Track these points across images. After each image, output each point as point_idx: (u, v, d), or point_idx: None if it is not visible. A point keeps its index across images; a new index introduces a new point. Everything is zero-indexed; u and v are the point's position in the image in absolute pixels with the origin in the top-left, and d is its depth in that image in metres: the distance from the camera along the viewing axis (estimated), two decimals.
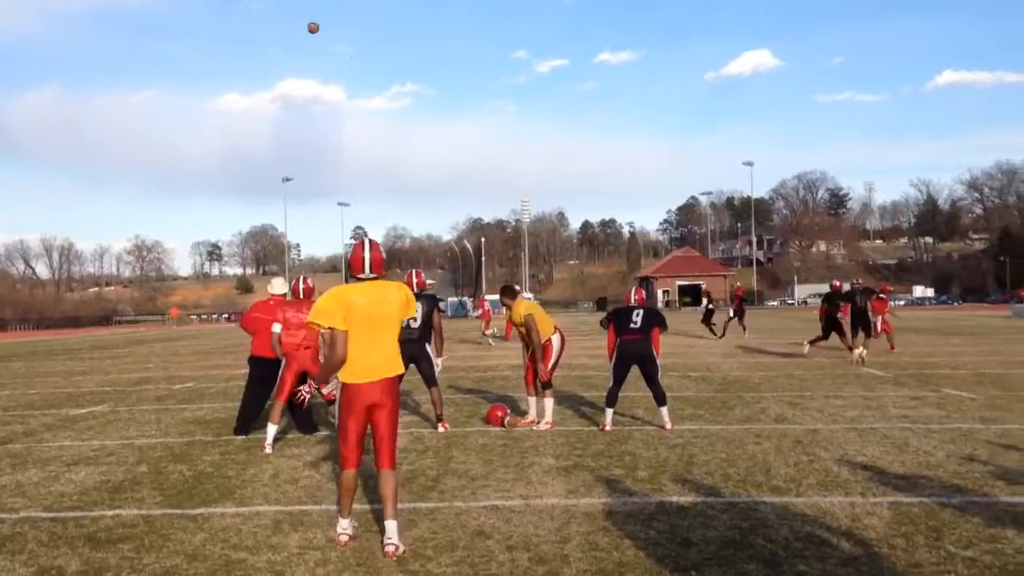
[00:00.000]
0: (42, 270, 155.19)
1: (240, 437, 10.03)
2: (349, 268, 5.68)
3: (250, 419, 10.20)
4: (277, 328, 9.43)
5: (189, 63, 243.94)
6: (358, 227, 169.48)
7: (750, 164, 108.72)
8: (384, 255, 5.68)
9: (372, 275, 5.56)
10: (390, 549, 5.29)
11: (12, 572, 5.22)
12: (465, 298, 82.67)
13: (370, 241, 5.64)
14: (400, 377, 5.63)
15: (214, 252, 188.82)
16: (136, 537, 5.91)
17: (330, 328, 5.38)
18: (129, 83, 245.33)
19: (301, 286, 9.81)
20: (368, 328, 5.44)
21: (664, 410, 9.81)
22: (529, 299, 11.05)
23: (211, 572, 5.11)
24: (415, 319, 9.81)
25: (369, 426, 5.53)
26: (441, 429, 10.09)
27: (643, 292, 10.53)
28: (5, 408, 14.13)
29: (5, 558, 5.53)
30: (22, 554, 5.60)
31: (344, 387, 5.48)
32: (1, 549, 5.73)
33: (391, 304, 5.54)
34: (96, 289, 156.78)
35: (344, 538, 5.53)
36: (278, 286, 10.55)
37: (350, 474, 5.53)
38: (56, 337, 57.23)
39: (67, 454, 9.37)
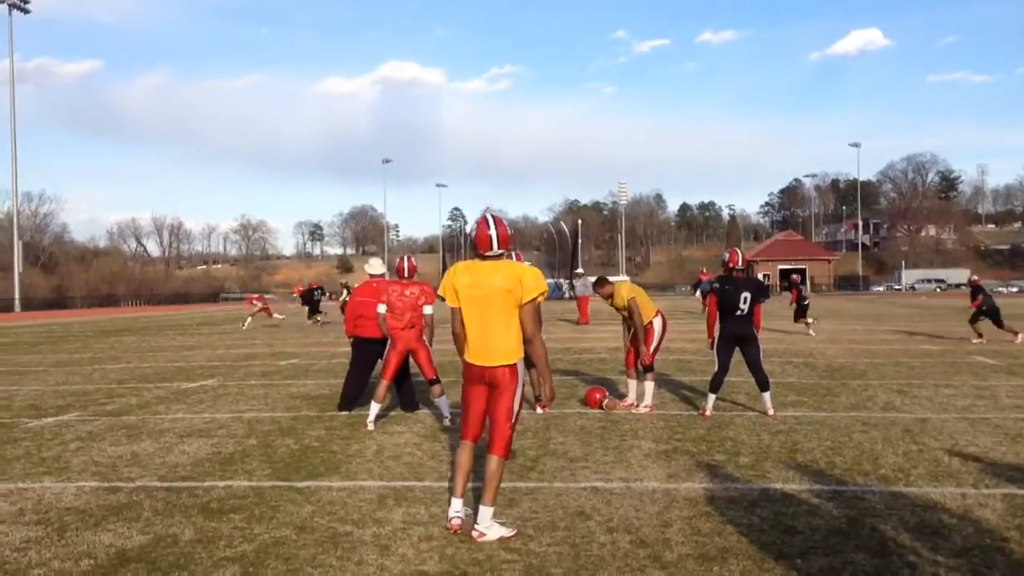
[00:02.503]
0: (153, 248, 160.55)
1: (344, 413, 10.23)
2: (474, 248, 5.56)
3: (353, 397, 10.39)
4: (382, 309, 9.53)
5: (293, 48, 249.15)
6: (455, 208, 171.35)
7: (857, 146, 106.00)
8: (508, 230, 5.57)
9: (499, 251, 5.48)
10: (475, 534, 5.27)
11: (130, 539, 5.43)
12: (561, 280, 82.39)
13: (494, 217, 5.55)
14: (516, 366, 5.40)
15: (316, 232, 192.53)
16: (247, 508, 6.10)
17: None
18: (235, 68, 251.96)
19: (406, 265, 9.83)
20: (470, 309, 5.44)
21: (767, 396, 9.65)
22: (623, 280, 10.94)
23: (319, 544, 5.24)
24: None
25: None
26: (539, 410, 10.13)
27: (745, 256, 10.10)
28: (120, 381, 14.70)
29: (123, 525, 5.76)
30: (139, 522, 5.83)
31: (464, 363, 5.54)
32: (119, 516, 5.97)
33: (492, 289, 5.36)
34: (204, 267, 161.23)
35: (456, 521, 5.37)
36: (376, 266, 10.68)
37: (466, 446, 5.48)
38: (166, 313, 59.22)
39: (180, 426, 9.71)
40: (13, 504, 6.35)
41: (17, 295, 67.91)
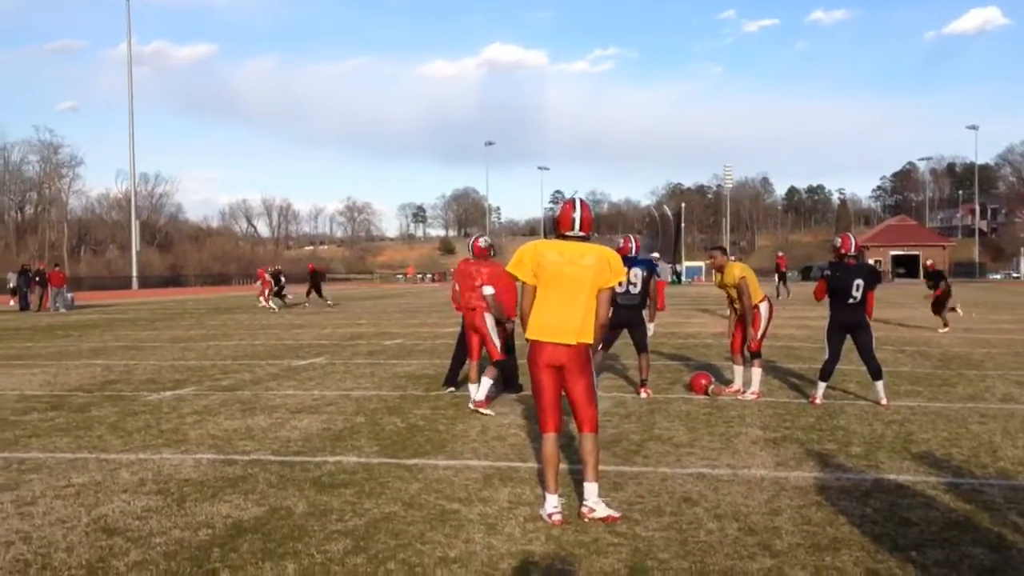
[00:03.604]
0: (263, 228, 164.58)
1: (448, 391, 10.34)
2: (556, 226, 5.56)
3: (458, 373, 10.49)
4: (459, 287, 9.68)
5: (399, 31, 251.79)
6: (557, 191, 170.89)
7: (974, 128, 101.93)
8: (594, 216, 5.59)
9: (580, 234, 5.49)
10: (584, 510, 5.29)
11: (246, 511, 5.59)
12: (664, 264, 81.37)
13: (580, 200, 5.58)
14: (587, 346, 5.41)
15: (419, 214, 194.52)
16: (357, 483, 6.22)
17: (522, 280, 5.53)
18: (342, 51, 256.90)
19: (472, 245, 9.82)
20: (555, 286, 5.40)
21: (880, 385, 9.38)
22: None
23: (427, 520, 5.32)
24: (621, 285, 9.71)
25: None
26: (644, 395, 10.07)
27: (857, 241, 9.79)
28: (234, 357, 15.15)
29: (239, 496, 5.94)
30: (254, 493, 6.01)
31: (529, 344, 5.50)
32: (235, 488, 6.16)
33: (585, 268, 5.37)
34: (311, 247, 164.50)
35: (557, 517, 5.23)
36: None
37: (549, 439, 5.44)
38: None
39: (291, 402, 9.96)
40: (134, 474, 6.61)
41: (135, 273, 70.57)
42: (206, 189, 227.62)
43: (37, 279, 35.72)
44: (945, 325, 19.89)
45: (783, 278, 38.73)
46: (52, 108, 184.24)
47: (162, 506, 5.71)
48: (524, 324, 5.55)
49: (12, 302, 36.80)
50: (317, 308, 32.64)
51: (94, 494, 6.04)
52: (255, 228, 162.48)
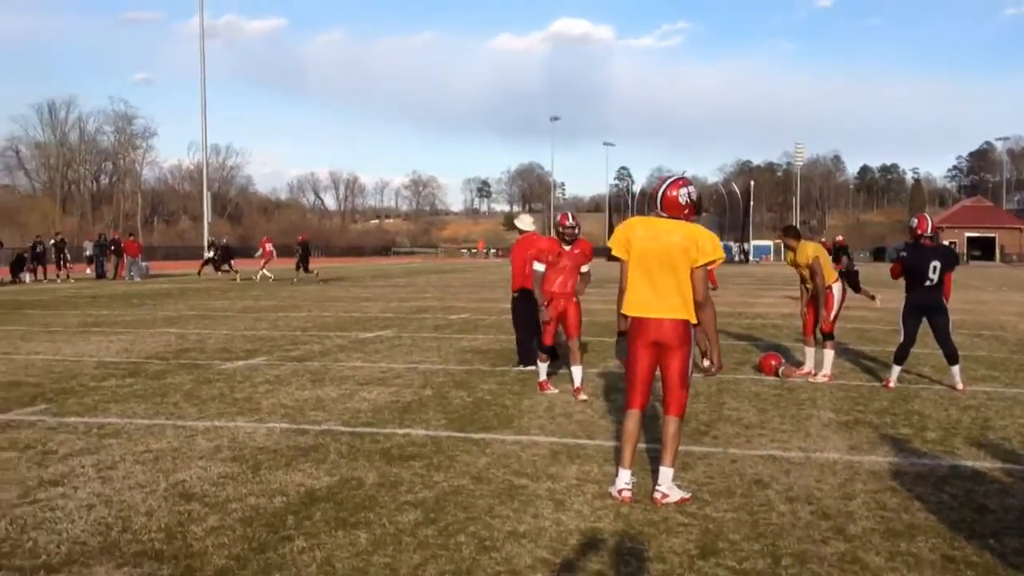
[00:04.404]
0: (330, 202, 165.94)
1: (516, 368, 10.32)
2: (651, 203, 5.63)
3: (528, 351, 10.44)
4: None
5: (467, 5, 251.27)
6: (622, 167, 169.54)
7: None
8: (681, 197, 5.38)
9: (664, 214, 5.42)
10: (657, 496, 5.24)
11: (318, 480, 5.68)
12: (731, 243, 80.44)
13: (671, 180, 5.48)
14: (687, 323, 5.32)
15: (483, 189, 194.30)
16: (425, 456, 6.28)
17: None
18: (410, 25, 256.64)
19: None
20: (642, 262, 5.37)
21: (956, 369, 9.18)
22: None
23: (495, 495, 5.34)
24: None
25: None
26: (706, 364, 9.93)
27: (934, 222, 9.58)
28: (303, 329, 15.36)
29: (311, 465, 6.03)
30: (325, 463, 6.09)
31: (629, 320, 5.47)
32: (307, 457, 6.25)
33: (670, 244, 5.29)
34: (376, 221, 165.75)
35: (627, 493, 5.25)
36: (527, 223, 10.26)
37: (632, 416, 5.40)
38: (342, 264, 61.30)
39: (359, 374, 10.07)
40: (211, 441, 6.75)
41: (206, 243, 71.71)
42: (275, 162, 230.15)
43: (112, 248, 36.63)
44: (872, 297, 19.90)
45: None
46: (126, 79, 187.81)
47: (237, 473, 5.83)
48: (619, 301, 5.55)
49: (89, 270, 37.80)
50: (305, 282, 32.38)
51: (172, 460, 6.18)
52: (322, 201, 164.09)
